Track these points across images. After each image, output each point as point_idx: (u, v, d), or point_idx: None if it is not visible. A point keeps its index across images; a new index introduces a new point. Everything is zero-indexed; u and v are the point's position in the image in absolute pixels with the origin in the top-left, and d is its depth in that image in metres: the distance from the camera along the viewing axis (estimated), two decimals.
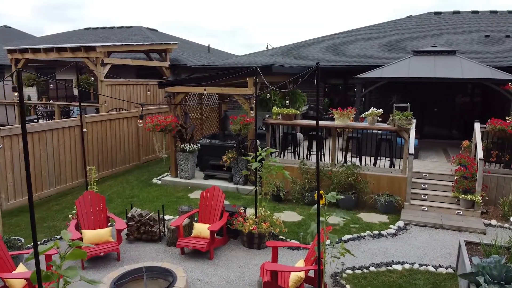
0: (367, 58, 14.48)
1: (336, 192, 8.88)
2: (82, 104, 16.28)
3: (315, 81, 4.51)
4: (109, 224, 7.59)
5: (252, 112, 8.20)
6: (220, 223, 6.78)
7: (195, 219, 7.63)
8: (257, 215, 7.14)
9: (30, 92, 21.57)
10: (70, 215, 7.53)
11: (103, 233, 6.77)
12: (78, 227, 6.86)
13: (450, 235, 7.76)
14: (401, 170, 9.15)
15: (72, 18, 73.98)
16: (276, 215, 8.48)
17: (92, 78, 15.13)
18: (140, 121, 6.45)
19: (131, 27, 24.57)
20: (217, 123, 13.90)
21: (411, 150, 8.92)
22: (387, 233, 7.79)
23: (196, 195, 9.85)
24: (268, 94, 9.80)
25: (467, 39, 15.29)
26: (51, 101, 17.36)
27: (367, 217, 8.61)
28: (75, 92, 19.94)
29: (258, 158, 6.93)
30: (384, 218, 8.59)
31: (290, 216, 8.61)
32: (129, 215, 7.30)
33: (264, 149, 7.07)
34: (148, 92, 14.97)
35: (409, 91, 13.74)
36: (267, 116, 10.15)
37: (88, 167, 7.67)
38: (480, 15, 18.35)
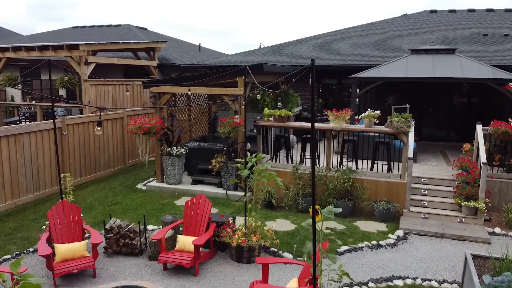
0: (362, 57, 14.00)
1: (332, 199, 8.39)
2: (63, 105, 15.69)
3: (310, 80, 3.98)
4: (86, 235, 7.03)
5: (237, 116, 7.65)
6: (206, 235, 6.22)
7: (180, 229, 7.07)
8: (247, 226, 6.60)
9: (14, 93, 20.85)
10: (44, 226, 6.93)
11: (78, 247, 6.18)
12: (50, 241, 6.27)
13: (452, 245, 7.27)
14: (400, 175, 8.66)
15: (65, 17, 72.73)
16: (268, 224, 7.95)
17: (66, 77, 14.43)
18: (98, 128, 5.82)
19: (120, 25, 23.96)
20: (207, 124, 13.33)
21: (411, 154, 8.42)
22: (386, 244, 7.28)
23: (182, 202, 9.28)
24: (259, 95, 9.25)
25: (464, 38, 14.87)
26: (34, 102, 16.68)
27: (364, 225, 8.10)
28: (61, 92, 19.24)
29: (248, 165, 6.38)
30: (382, 226, 8.09)
31: (282, 224, 8.07)
32: (107, 226, 6.72)
33: (254, 155, 6.52)
34: (127, 93, 14.21)
35: (405, 91, 13.27)
36: (258, 118, 9.61)
37: (62, 174, 7.06)
38: (477, 14, 17.99)
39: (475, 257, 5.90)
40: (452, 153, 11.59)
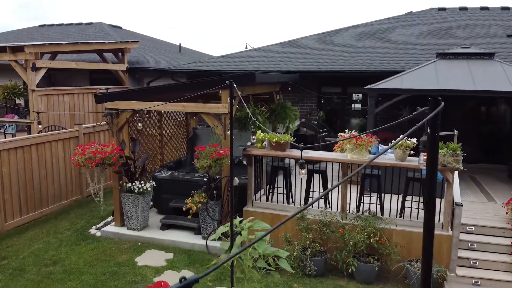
0: (370, 61, 11.75)
1: (351, 260, 6.12)
2: (14, 120, 13.02)
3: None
4: None
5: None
6: None
7: None
8: None
9: None
10: None
11: None
12: None
13: None
14: (442, 224, 6.41)
15: (50, 16, 68.68)
16: None
17: (10, 85, 11.84)
18: None
19: (91, 23, 21.46)
20: (184, 143, 10.90)
21: (458, 198, 6.21)
22: None
23: (146, 259, 6.87)
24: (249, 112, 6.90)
25: (486, 39, 12.77)
26: None
27: None
28: (17, 102, 16.60)
29: (237, 240, 4.06)
30: None
31: None
32: None
33: (246, 222, 4.19)
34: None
35: (424, 102, 11.05)
36: (249, 143, 7.28)
37: None
38: (491, 12, 15.95)
39: None
40: (486, 181, 9.43)
